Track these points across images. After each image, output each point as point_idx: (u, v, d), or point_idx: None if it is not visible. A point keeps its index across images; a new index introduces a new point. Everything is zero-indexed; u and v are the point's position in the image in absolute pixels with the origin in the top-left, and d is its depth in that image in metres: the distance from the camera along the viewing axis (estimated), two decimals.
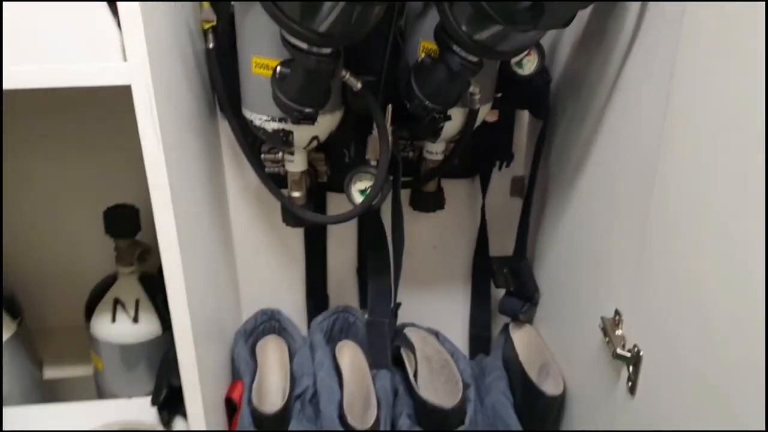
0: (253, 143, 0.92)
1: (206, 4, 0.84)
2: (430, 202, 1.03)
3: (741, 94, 0.53)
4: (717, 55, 0.56)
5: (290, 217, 0.95)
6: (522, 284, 1.03)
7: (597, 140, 0.82)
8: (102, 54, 0.59)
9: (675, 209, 0.63)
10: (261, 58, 0.76)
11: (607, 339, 0.76)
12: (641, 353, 0.71)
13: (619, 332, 0.76)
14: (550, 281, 1.01)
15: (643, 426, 0.72)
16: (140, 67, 0.59)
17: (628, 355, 0.73)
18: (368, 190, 0.87)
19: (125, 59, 0.59)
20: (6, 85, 0.59)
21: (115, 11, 0.59)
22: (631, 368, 0.73)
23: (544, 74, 0.91)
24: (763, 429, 0.51)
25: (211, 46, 0.84)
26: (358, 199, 0.88)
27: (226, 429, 0.97)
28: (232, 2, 0.79)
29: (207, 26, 0.84)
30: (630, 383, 0.73)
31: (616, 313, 0.77)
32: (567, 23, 0.68)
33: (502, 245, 1.09)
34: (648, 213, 0.68)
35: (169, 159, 0.66)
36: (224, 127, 0.97)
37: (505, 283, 1.05)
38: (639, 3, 0.71)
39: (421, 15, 0.79)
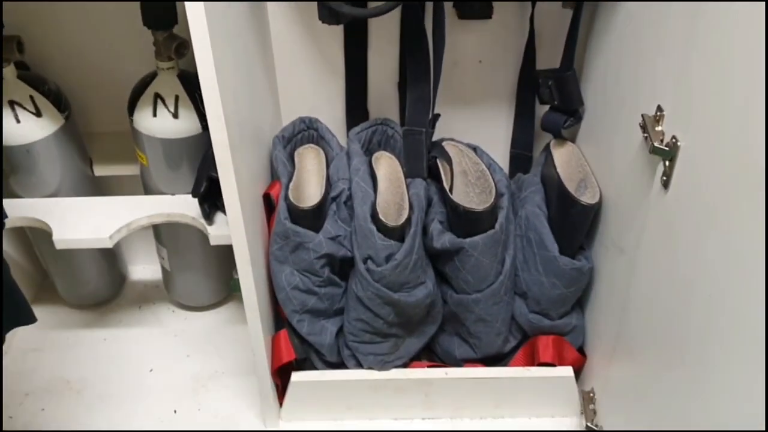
0: None
1: None
2: (477, 8, 0.98)
3: None
4: None
5: (327, 12, 0.92)
6: (566, 97, 1.00)
7: None
8: None
9: None
10: None
11: (645, 135, 0.74)
12: (679, 143, 0.68)
13: (659, 128, 0.73)
14: (596, 93, 0.97)
15: (674, 220, 0.70)
16: None
17: (666, 148, 0.70)
18: None
19: None
20: None
21: None
22: (667, 162, 0.71)
23: None
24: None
25: None
26: None
27: (265, 224, 1.00)
28: None
29: None
30: (665, 178, 0.72)
31: (658, 109, 0.73)
32: None
33: (550, 60, 1.04)
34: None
35: None
36: None
37: (549, 96, 1.02)
38: None
39: None
